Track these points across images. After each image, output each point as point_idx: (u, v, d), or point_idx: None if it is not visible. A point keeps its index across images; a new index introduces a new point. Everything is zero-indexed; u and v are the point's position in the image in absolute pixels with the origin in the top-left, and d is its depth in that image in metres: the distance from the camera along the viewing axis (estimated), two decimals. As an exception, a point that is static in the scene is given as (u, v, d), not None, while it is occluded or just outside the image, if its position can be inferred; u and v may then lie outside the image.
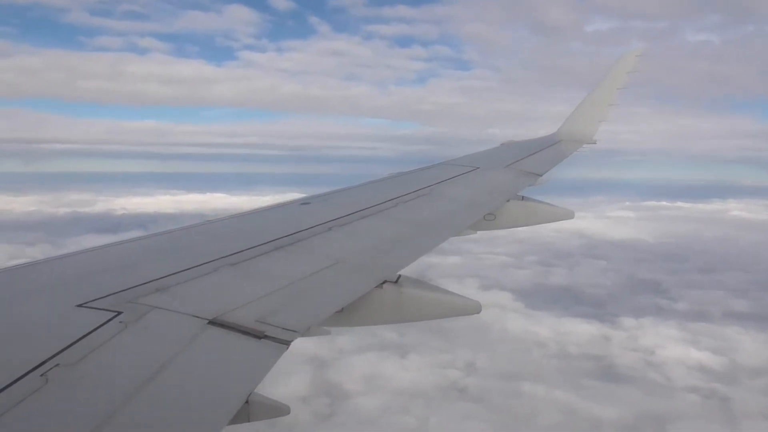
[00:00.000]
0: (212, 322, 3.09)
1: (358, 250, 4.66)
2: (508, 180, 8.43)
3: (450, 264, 78.07)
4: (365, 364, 43.68)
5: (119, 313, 3.04)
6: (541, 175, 8.84)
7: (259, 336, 3.03)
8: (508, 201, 6.98)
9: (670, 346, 48.16)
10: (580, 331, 51.75)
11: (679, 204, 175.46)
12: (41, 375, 2.39)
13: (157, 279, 3.57)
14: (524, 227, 7.26)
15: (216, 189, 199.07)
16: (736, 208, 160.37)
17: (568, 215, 7.39)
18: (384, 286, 3.99)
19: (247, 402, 2.57)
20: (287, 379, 40.51)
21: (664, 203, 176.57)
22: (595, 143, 11.69)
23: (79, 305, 3.12)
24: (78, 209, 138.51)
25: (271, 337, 3.03)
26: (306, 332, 3.24)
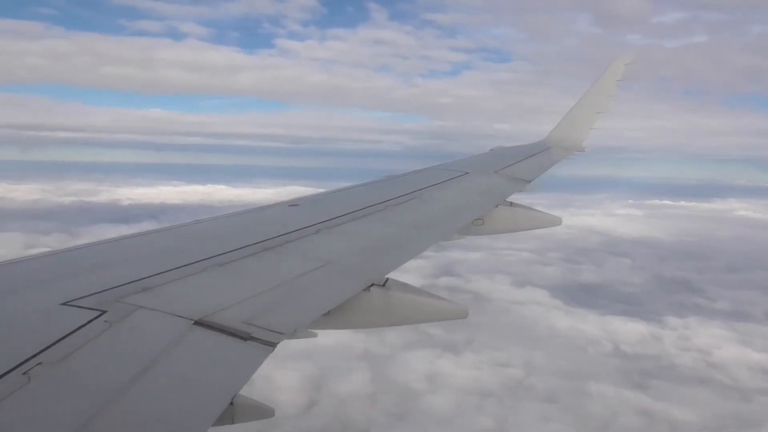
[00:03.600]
0: (198, 323, 3.06)
1: (346, 253, 4.64)
2: (497, 185, 8.44)
3: (474, 260, 77.61)
4: (422, 361, 42.76)
5: (104, 312, 3.00)
6: (529, 182, 8.85)
7: (245, 337, 3.00)
8: (496, 206, 6.98)
9: (725, 346, 47.61)
10: (629, 329, 51.12)
11: (682, 203, 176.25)
12: (23, 373, 2.35)
13: (143, 278, 3.51)
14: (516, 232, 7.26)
15: (216, 181, 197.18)
16: (740, 208, 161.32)
17: (556, 222, 7.39)
18: (371, 289, 3.97)
19: (231, 404, 2.54)
20: (347, 375, 39.65)
21: (667, 202, 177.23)
22: (584, 150, 11.64)
23: (64, 303, 3.07)
24: (84, 199, 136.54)
25: (257, 339, 3.00)
26: (292, 334, 3.19)
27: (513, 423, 34.35)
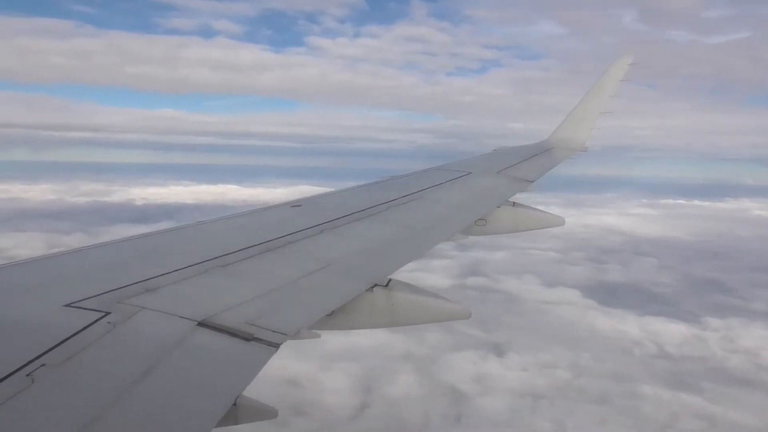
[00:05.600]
0: (201, 324, 3.05)
1: (349, 254, 4.63)
2: (500, 186, 8.46)
3: (499, 260, 77.08)
4: (466, 363, 42.11)
5: (107, 313, 2.99)
6: (532, 182, 8.86)
7: (248, 338, 2.99)
8: (499, 207, 6.99)
9: (772, 347, 46.81)
10: (670, 331, 50.36)
11: (696, 202, 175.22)
12: (27, 375, 2.35)
13: (147, 280, 3.51)
14: (517, 232, 7.20)
15: (227, 181, 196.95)
16: (755, 207, 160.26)
17: (559, 222, 7.38)
18: (374, 289, 3.96)
19: (235, 404, 2.54)
20: (394, 377, 39.08)
21: (680, 201, 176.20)
22: (586, 151, 11.70)
23: (67, 305, 3.07)
24: (98, 199, 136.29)
25: (260, 340, 2.99)
26: (295, 335, 3.18)
27: (572, 427, 33.65)
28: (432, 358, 42.53)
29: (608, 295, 61.70)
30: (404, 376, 39.18)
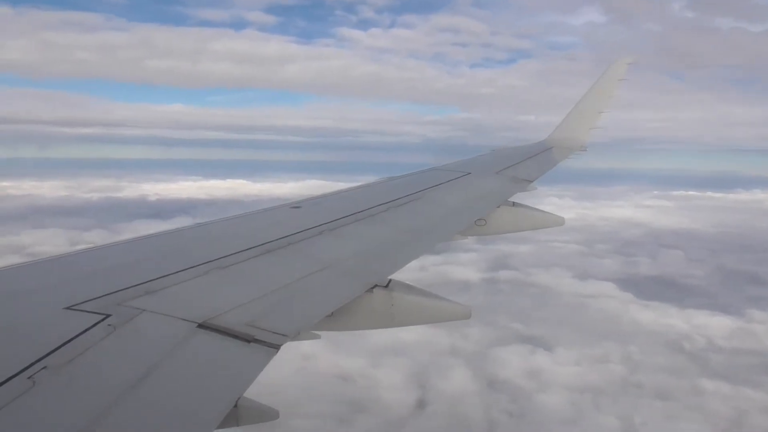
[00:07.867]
0: (201, 326, 3.06)
1: (349, 255, 4.65)
2: (499, 186, 8.54)
3: (525, 253, 76.25)
4: (516, 357, 41.35)
5: (108, 315, 2.99)
6: (531, 182, 8.92)
7: (248, 340, 3.00)
8: (498, 207, 7.02)
9: (823, 339, 45.98)
10: (715, 324, 49.51)
11: (709, 194, 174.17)
12: (28, 378, 2.37)
13: (147, 282, 3.51)
14: (517, 232, 7.27)
15: (236, 176, 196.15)
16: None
17: (559, 222, 7.39)
18: (374, 290, 3.99)
19: (236, 406, 2.54)
20: (447, 373, 38.35)
21: (692, 193, 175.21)
22: (585, 150, 11.69)
23: (67, 307, 3.08)
24: (110, 195, 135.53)
25: (260, 341, 3.00)
26: (296, 336, 3.21)
27: (639, 423, 32.85)
28: (479, 353, 41.77)
29: (644, 287, 60.89)
30: (456, 371, 38.46)
